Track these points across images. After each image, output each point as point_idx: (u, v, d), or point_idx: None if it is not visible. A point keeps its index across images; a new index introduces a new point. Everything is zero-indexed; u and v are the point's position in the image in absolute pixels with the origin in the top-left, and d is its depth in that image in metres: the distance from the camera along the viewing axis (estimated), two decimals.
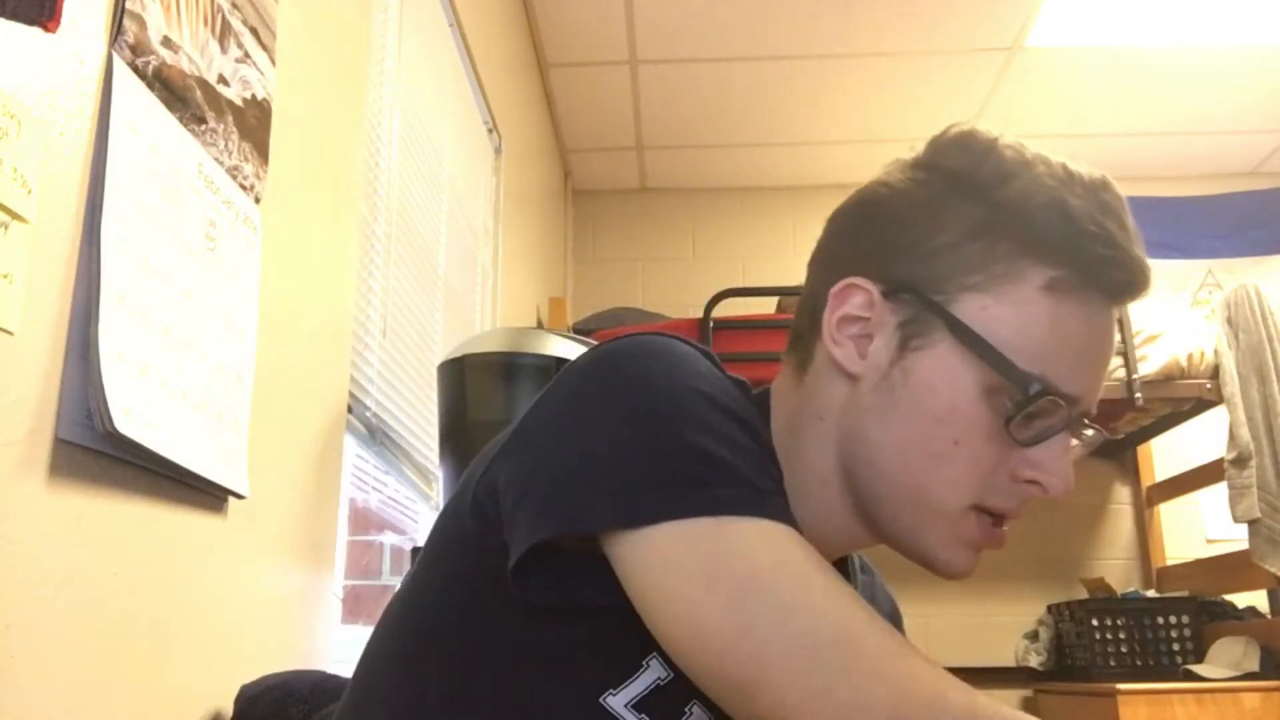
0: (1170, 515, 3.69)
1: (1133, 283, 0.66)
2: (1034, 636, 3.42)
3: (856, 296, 0.69)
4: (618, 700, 0.62)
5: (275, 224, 1.22)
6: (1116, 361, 2.96)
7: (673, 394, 0.62)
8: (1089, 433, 0.68)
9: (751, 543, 0.57)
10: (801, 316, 0.75)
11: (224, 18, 1.10)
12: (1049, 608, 3.41)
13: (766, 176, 4.10)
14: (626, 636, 0.61)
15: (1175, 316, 3.21)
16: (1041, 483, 0.65)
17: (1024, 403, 0.63)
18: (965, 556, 0.67)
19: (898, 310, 0.67)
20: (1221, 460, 3.00)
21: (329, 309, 1.41)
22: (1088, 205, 0.65)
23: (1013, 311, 0.64)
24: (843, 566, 0.79)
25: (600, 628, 0.61)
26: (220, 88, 1.08)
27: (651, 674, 0.63)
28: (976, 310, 0.64)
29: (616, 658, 0.62)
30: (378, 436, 1.72)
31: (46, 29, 0.80)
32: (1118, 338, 0.72)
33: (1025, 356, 0.63)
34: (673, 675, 0.62)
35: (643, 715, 0.62)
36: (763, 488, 0.60)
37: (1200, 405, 3.13)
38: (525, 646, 0.63)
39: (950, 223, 0.66)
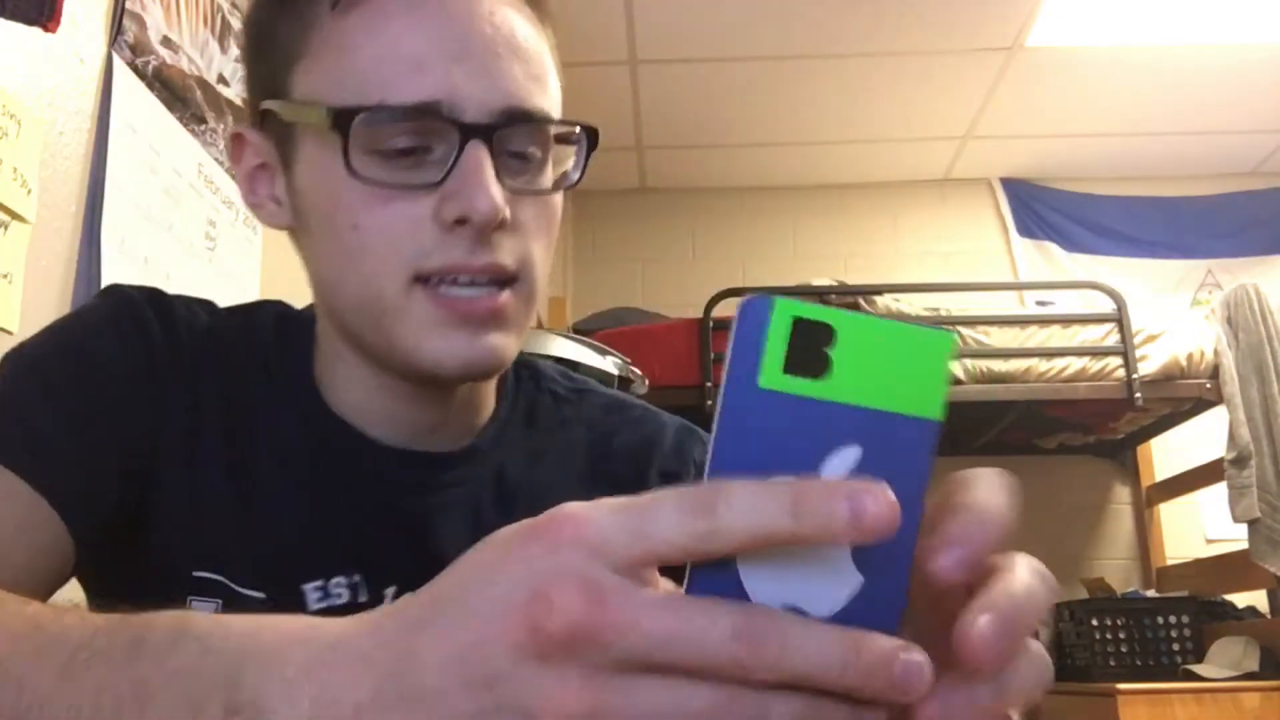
0: (1170, 515, 3.68)
1: None
2: (1034, 636, 3.42)
3: (245, 146, 0.63)
4: None
5: None
6: (1116, 361, 2.96)
7: (48, 345, 0.62)
8: (520, 141, 0.58)
9: None
10: None
11: (224, 18, 1.10)
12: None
13: (766, 176, 4.09)
14: None
15: (1175, 316, 3.21)
16: (465, 215, 0.55)
17: (362, 140, 0.55)
18: (449, 339, 0.58)
19: (271, 135, 0.62)
20: (1221, 460, 3.00)
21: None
22: None
23: (329, 58, 0.57)
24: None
25: None
26: (220, 88, 1.08)
27: None
28: (304, 81, 0.58)
29: None
30: None
31: (46, 29, 0.80)
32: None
33: (355, 94, 0.56)
34: None
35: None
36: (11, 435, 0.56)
37: (1200, 405, 3.13)
38: None
39: (264, 8, 0.61)
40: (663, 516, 0.29)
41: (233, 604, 0.62)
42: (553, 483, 0.69)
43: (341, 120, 0.55)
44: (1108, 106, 3.61)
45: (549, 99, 0.60)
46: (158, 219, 0.94)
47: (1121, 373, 2.95)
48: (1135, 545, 3.72)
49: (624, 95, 3.52)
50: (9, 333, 0.74)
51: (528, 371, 0.75)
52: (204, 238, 1.03)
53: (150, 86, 0.95)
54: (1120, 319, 2.99)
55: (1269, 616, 3.09)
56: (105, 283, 0.84)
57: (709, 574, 0.30)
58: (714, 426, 0.31)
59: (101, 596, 0.64)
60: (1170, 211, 4.02)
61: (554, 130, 0.61)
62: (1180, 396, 3.05)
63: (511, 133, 0.58)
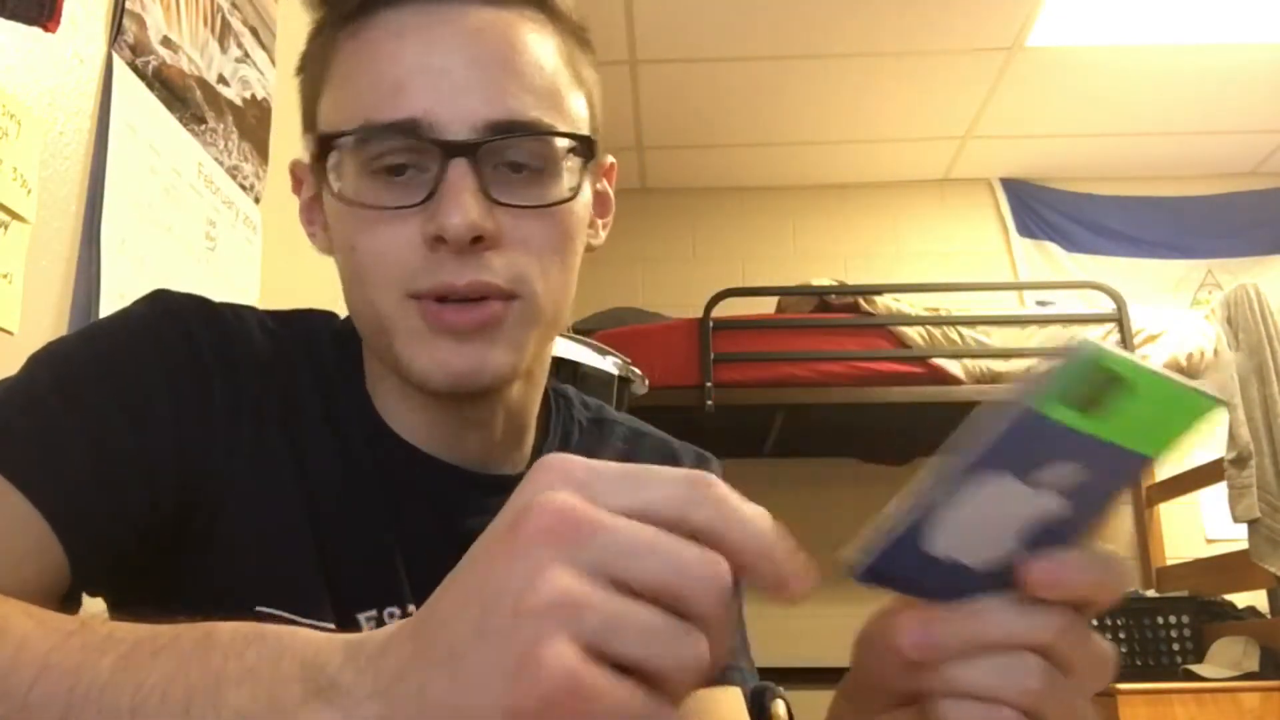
0: (1170, 515, 3.68)
1: None
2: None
3: (299, 178, 0.66)
4: None
5: (275, 223, 1.22)
6: None
7: (81, 353, 0.59)
8: (509, 151, 0.58)
9: None
10: None
11: (224, 18, 1.10)
12: None
13: (766, 176, 4.09)
14: None
15: (1175, 316, 3.21)
16: (440, 233, 0.55)
17: (335, 163, 0.57)
18: (437, 351, 0.58)
19: (313, 167, 0.63)
20: (1221, 460, 3.00)
21: (329, 308, 1.41)
22: None
23: (336, 89, 0.60)
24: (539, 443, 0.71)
25: None
26: (220, 87, 1.08)
27: None
28: (324, 113, 0.61)
29: None
30: None
31: (46, 29, 0.80)
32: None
33: (347, 120, 0.58)
34: None
35: None
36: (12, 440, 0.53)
37: None
38: None
39: (308, 42, 0.64)
40: (661, 481, 0.33)
41: None
42: None
43: (324, 144, 0.58)
44: (1108, 106, 3.61)
45: (554, 111, 0.60)
46: (158, 219, 0.94)
47: None
48: (1135, 545, 3.72)
49: (624, 95, 3.52)
50: (9, 333, 0.74)
51: (563, 400, 0.76)
52: (204, 238, 1.03)
53: (150, 86, 0.95)
54: (1120, 319, 2.99)
55: (1269, 616, 3.09)
56: (105, 283, 0.84)
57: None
58: (975, 414, 0.36)
59: None
60: (1170, 211, 4.02)
61: (559, 142, 0.59)
62: None
63: (502, 146, 0.57)
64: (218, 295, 1.05)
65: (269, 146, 1.21)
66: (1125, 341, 2.97)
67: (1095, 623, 0.50)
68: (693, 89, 3.51)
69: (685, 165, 4.03)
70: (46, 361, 0.58)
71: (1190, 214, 4.01)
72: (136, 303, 0.62)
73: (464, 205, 0.55)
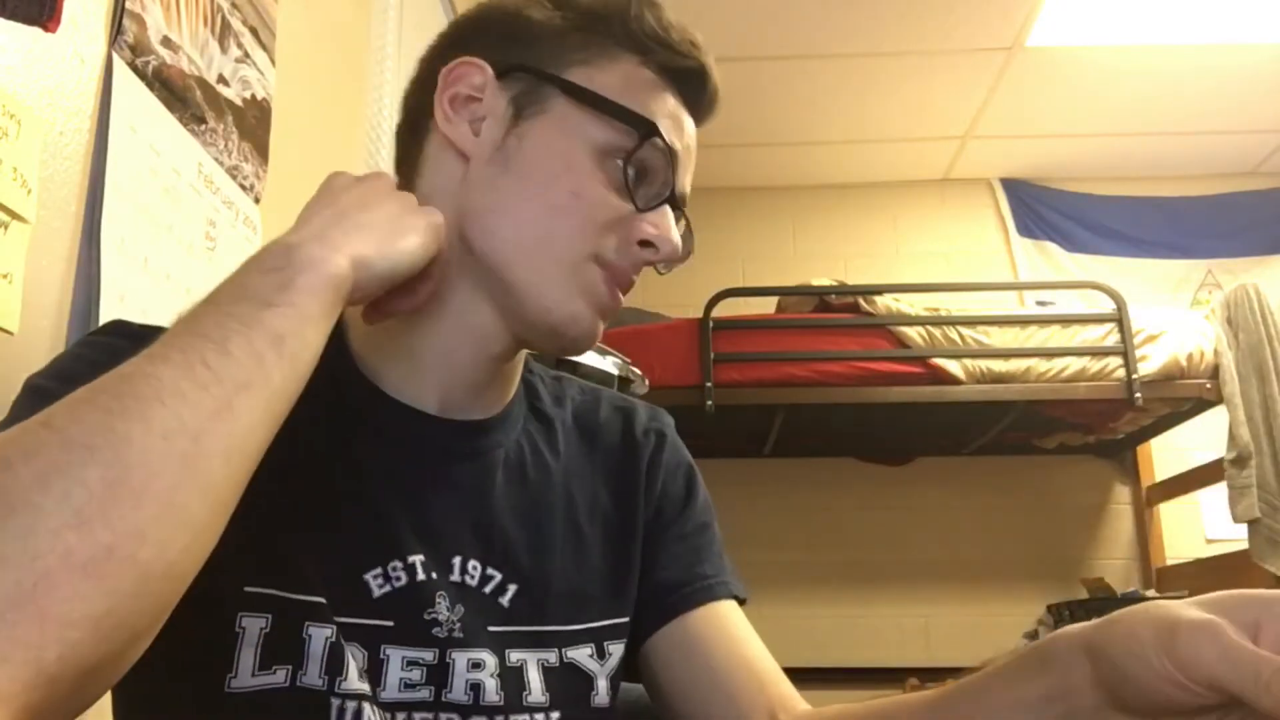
0: (1170, 515, 3.69)
1: (696, 83, 0.72)
2: (1034, 636, 3.43)
3: (471, 75, 0.69)
4: None
5: (275, 224, 1.21)
6: (1116, 361, 2.96)
7: (45, 372, 0.62)
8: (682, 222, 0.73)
9: None
10: (405, 122, 0.74)
11: (224, 18, 1.10)
12: (1049, 608, 3.41)
13: (766, 176, 4.10)
14: None
15: (1175, 316, 3.21)
16: (654, 242, 0.68)
17: (637, 145, 0.66)
18: (588, 314, 0.69)
19: (510, 88, 0.69)
20: (1221, 460, 3.00)
21: None
22: (654, 14, 0.71)
23: (618, 78, 0.68)
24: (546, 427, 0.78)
25: None
26: (220, 88, 1.08)
27: None
28: (584, 78, 0.68)
29: None
30: None
31: (46, 29, 0.80)
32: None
33: (634, 107, 0.67)
34: None
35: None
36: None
37: (1200, 405, 3.13)
38: None
39: (553, 17, 0.70)
40: None
41: (286, 615, 0.60)
42: (565, 446, 0.78)
43: (622, 114, 0.66)
44: (1108, 106, 3.61)
45: None
46: (158, 219, 0.94)
47: (1121, 373, 2.95)
48: (1135, 545, 3.72)
49: None
50: (9, 333, 0.74)
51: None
52: (204, 238, 1.03)
53: (150, 86, 0.95)
54: (1120, 319, 2.99)
55: None
56: (105, 283, 0.85)
57: None
58: None
59: None
60: (1170, 211, 4.02)
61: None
62: (1180, 396, 3.05)
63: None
64: None
65: (269, 146, 1.21)
66: (1125, 341, 2.97)
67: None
68: None
69: None
70: (21, 396, 0.59)
71: (1190, 214, 4.01)
72: (93, 331, 0.66)
73: (679, 240, 0.69)
